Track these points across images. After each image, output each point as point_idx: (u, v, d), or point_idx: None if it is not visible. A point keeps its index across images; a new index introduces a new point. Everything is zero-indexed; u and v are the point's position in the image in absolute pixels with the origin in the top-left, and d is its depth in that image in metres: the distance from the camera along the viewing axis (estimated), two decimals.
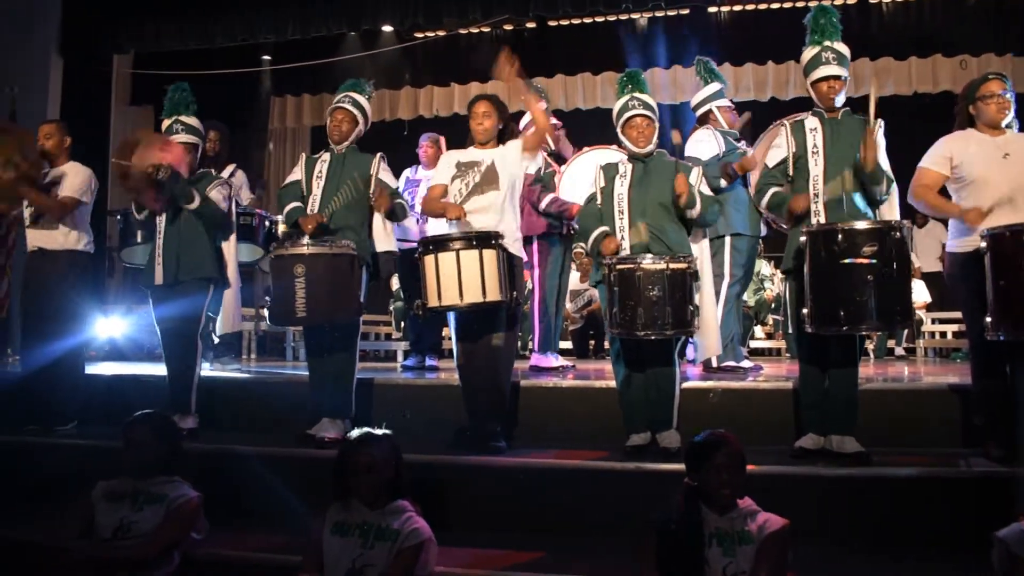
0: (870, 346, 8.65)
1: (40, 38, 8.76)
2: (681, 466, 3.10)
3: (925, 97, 10.18)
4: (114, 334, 7.71)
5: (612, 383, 4.26)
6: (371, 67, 9.83)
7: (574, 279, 8.21)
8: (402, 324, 8.67)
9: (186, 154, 4.62)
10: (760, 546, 2.77)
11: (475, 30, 10.88)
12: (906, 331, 8.98)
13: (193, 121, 4.76)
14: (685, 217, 4.13)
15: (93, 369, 5.30)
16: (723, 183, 5.11)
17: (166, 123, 4.73)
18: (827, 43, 3.96)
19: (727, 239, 5.17)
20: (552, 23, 10.83)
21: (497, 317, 4.10)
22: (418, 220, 5.87)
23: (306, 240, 4.20)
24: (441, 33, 10.95)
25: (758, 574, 2.74)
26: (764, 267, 9.16)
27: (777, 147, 4.08)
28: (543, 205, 5.40)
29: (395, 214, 4.45)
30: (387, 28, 10.08)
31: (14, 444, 4.61)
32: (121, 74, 10.01)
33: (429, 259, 3.99)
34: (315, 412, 4.32)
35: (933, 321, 9.45)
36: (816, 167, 3.91)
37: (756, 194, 4.19)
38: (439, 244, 4.00)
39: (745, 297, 6.73)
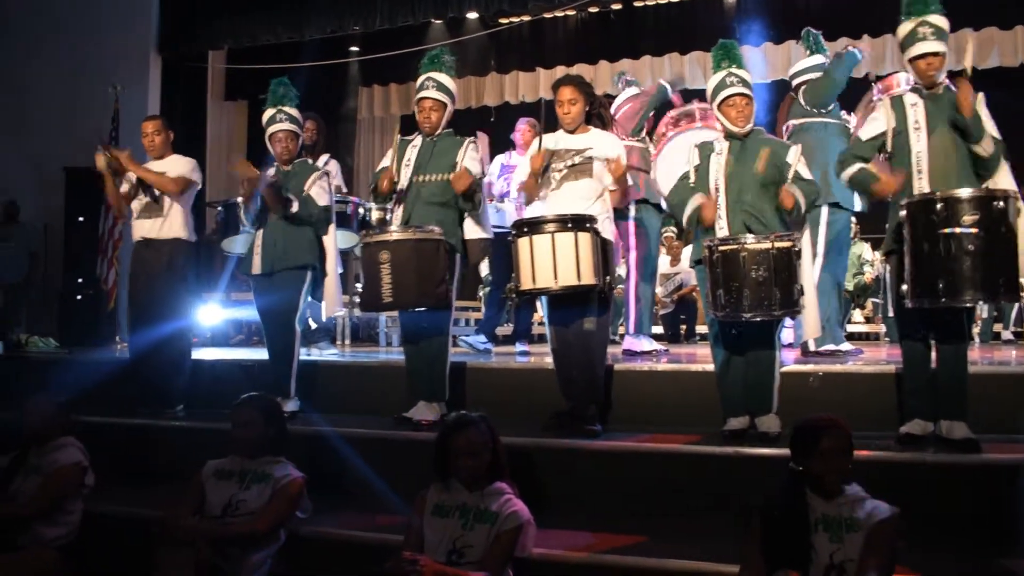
0: (976, 330, 8.32)
1: (139, 37, 9.12)
2: (781, 451, 3.03)
3: None
4: (214, 321, 7.95)
5: (707, 367, 4.20)
6: (456, 54, 9.87)
7: (664, 263, 8.12)
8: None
9: (289, 141, 4.75)
10: (868, 534, 2.68)
11: (560, 14, 10.82)
12: (1014, 314, 8.62)
13: (295, 112, 4.84)
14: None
15: (197, 354, 5.49)
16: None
17: (269, 112, 4.80)
18: (924, 17, 3.75)
19: (823, 209, 4.95)
20: (638, 3, 10.70)
21: (590, 301, 4.06)
22: (517, 206, 5.87)
23: (393, 227, 4.25)
24: (526, 18, 10.93)
25: (866, 562, 2.65)
26: (865, 250, 8.90)
27: (874, 120, 3.90)
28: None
29: (468, 200, 4.33)
30: (472, 15, 10.12)
31: (127, 427, 4.81)
32: (216, 70, 10.31)
33: (523, 241, 3.96)
34: (411, 396, 4.37)
35: None
36: (919, 143, 3.74)
37: (839, 164, 3.97)
38: (533, 227, 3.96)
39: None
